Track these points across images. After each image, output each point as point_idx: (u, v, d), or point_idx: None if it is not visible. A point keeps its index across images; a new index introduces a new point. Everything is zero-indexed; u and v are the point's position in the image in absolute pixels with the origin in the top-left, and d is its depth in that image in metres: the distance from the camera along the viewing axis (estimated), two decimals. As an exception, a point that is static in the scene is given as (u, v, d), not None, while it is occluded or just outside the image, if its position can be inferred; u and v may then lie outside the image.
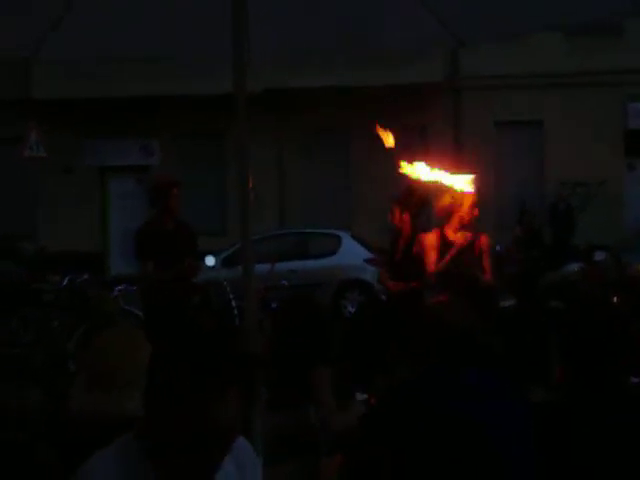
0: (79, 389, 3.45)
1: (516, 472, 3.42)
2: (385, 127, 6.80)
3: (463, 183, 7.93)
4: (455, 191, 7.98)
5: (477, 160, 25.29)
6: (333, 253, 18.91)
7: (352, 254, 18.43)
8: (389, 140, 7.27)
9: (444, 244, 8.55)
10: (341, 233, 19.51)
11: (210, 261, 13.95)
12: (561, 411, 3.44)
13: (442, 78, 24.98)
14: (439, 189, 8.00)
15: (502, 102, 24.87)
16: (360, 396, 7.63)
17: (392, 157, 7.48)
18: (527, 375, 7.95)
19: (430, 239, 8.70)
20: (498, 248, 16.72)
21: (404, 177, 7.90)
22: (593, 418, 3.36)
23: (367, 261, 18.42)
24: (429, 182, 7.83)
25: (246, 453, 2.74)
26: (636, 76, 24.39)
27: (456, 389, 3.47)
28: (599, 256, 11.70)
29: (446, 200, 8.55)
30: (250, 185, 4.34)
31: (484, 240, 8.76)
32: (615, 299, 12.77)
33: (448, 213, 8.58)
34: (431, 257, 8.56)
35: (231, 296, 13.53)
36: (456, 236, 8.59)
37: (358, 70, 23.04)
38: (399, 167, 7.77)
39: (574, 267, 11.35)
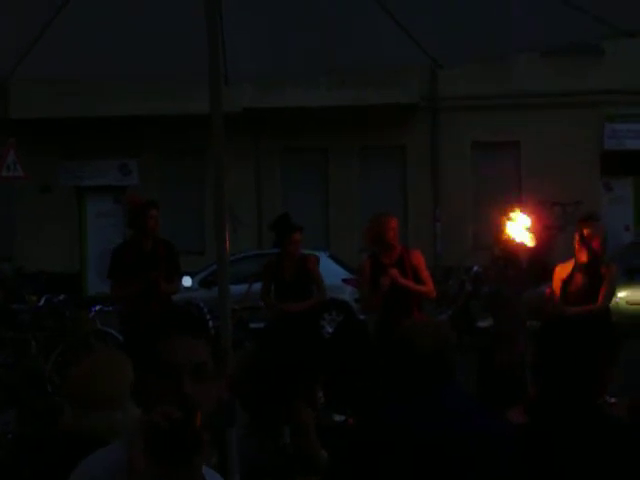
0: (66, 409, 3.51)
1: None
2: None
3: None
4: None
5: (455, 180, 25.48)
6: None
7: (330, 274, 18.38)
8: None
9: (378, 268, 8.81)
10: (319, 253, 19.50)
11: (187, 282, 13.88)
12: (535, 432, 3.44)
13: (420, 99, 25.10)
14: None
15: (479, 123, 24.98)
16: (338, 417, 7.62)
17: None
18: (506, 394, 7.97)
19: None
20: (476, 268, 16.74)
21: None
22: (569, 439, 3.36)
23: (345, 281, 18.44)
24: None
25: None
26: (613, 96, 24.60)
27: (434, 410, 3.47)
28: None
29: (374, 228, 8.91)
30: (226, 205, 4.34)
31: (415, 255, 9.05)
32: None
33: (377, 239, 8.91)
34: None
35: (208, 317, 13.46)
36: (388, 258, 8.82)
37: (337, 90, 23.15)
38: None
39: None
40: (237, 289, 14.38)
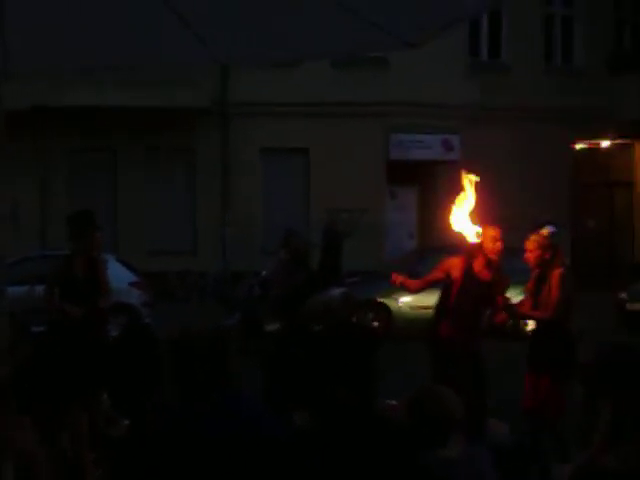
0: None
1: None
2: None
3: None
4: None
5: (244, 185, 25.56)
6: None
7: (117, 277, 18.07)
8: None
9: None
10: (106, 256, 19.10)
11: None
12: (316, 435, 3.48)
13: (211, 103, 25.04)
14: None
15: (269, 129, 25.14)
16: (124, 421, 7.50)
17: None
18: (293, 397, 8.03)
19: None
20: (264, 273, 16.82)
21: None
22: (346, 442, 3.41)
23: (132, 284, 18.23)
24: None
25: None
26: (399, 107, 25.24)
27: (215, 415, 3.44)
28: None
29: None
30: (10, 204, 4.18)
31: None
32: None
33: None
34: None
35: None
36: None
37: (129, 91, 22.83)
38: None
39: (336, 292, 11.55)
40: (18, 290, 13.92)
